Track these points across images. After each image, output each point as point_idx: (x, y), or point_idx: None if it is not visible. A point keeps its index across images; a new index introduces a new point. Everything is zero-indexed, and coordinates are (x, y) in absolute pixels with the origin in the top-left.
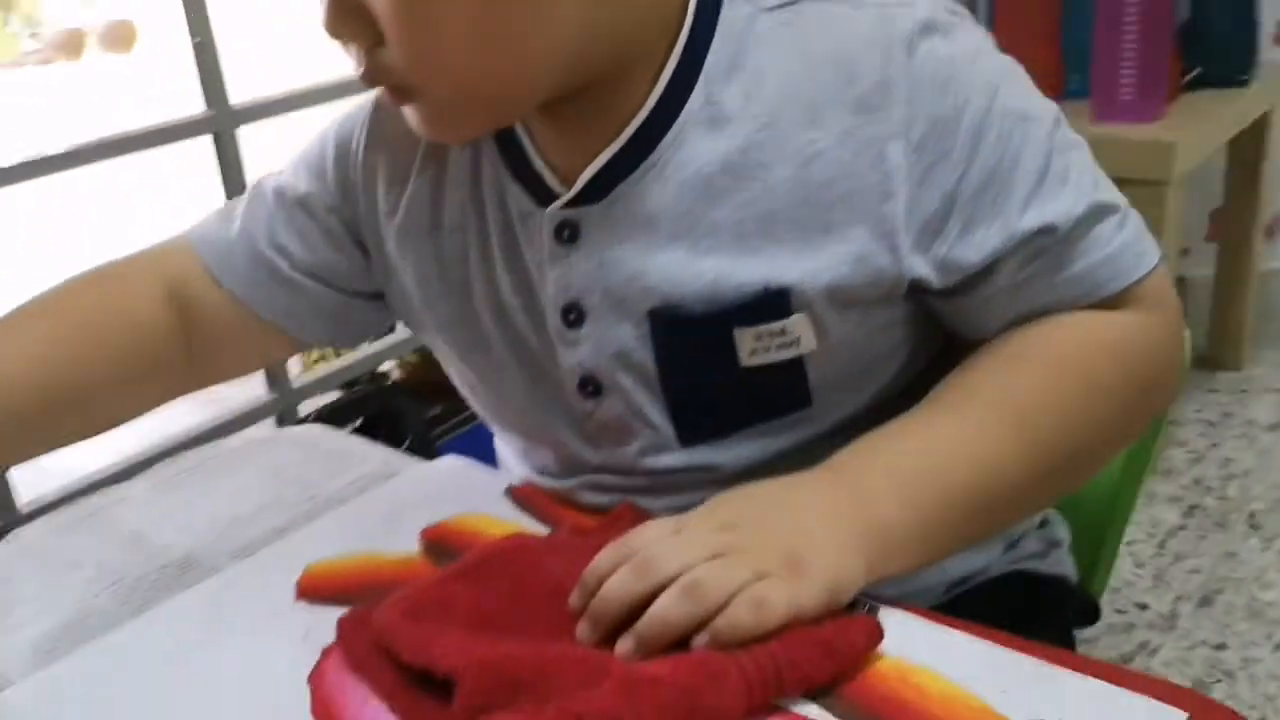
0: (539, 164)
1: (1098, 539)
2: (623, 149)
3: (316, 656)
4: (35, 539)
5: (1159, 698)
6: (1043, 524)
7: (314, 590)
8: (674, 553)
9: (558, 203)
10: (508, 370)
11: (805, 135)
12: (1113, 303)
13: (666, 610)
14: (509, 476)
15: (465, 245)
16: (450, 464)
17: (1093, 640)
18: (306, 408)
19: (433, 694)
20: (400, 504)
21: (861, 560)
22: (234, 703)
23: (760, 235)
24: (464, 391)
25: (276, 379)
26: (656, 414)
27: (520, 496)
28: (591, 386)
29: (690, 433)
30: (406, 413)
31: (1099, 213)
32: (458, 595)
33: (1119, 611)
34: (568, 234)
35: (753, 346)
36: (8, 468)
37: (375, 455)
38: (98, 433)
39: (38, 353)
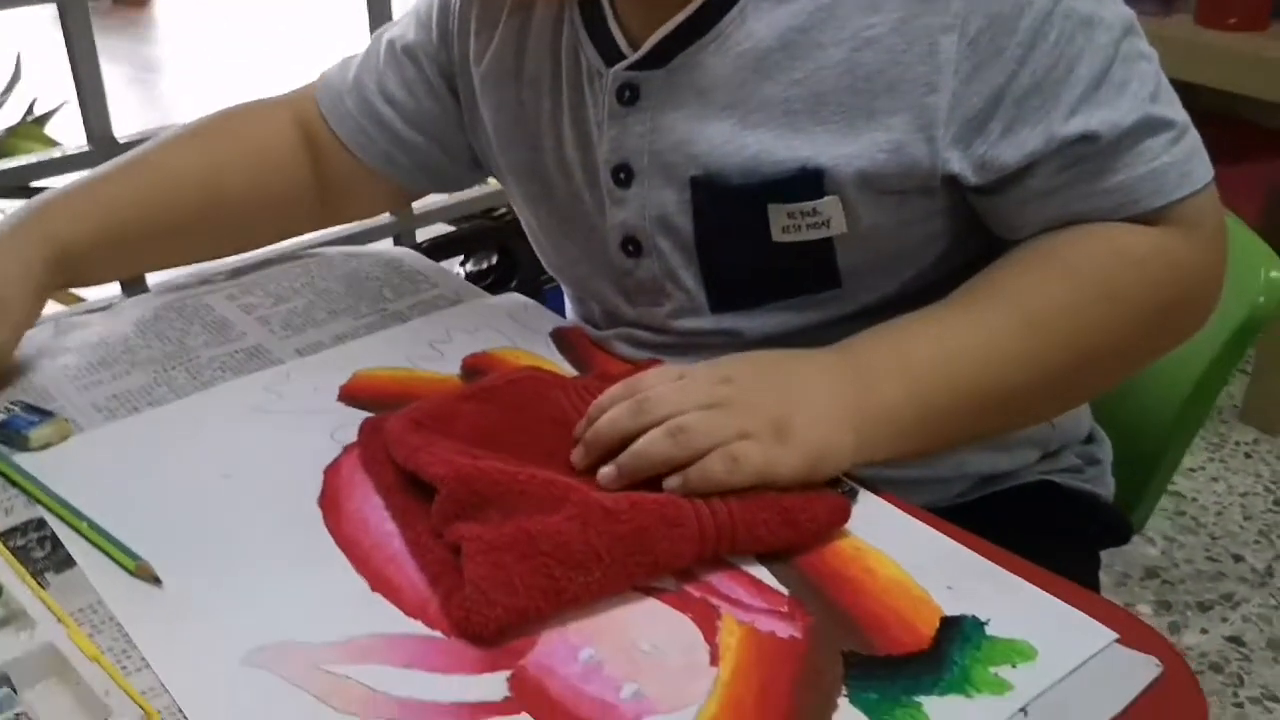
0: (614, 26)
1: (1148, 468)
2: (690, 18)
3: (338, 452)
4: (135, 313)
5: (1101, 619)
6: (1088, 440)
7: (354, 394)
8: (671, 397)
9: (623, 64)
10: (565, 222)
11: (863, 19)
12: (1150, 218)
13: (649, 446)
14: (562, 321)
15: (540, 97)
16: (512, 300)
17: (1176, 583)
18: (425, 235)
19: (421, 498)
20: (454, 329)
21: (851, 439)
22: (257, 479)
23: (806, 115)
24: (530, 239)
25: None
26: (690, 279)
27: (564, 337)
28: (632, 246)
29: (720, 299)
30: (519, 254)
31: (1151, 126)
32: (464, 413)
33: (1212, 559)
34: (628, 95)
35: (785, 223)
36: (155, 269)
37: (448, 282)
38: (229, 253)
39: (192, 169)
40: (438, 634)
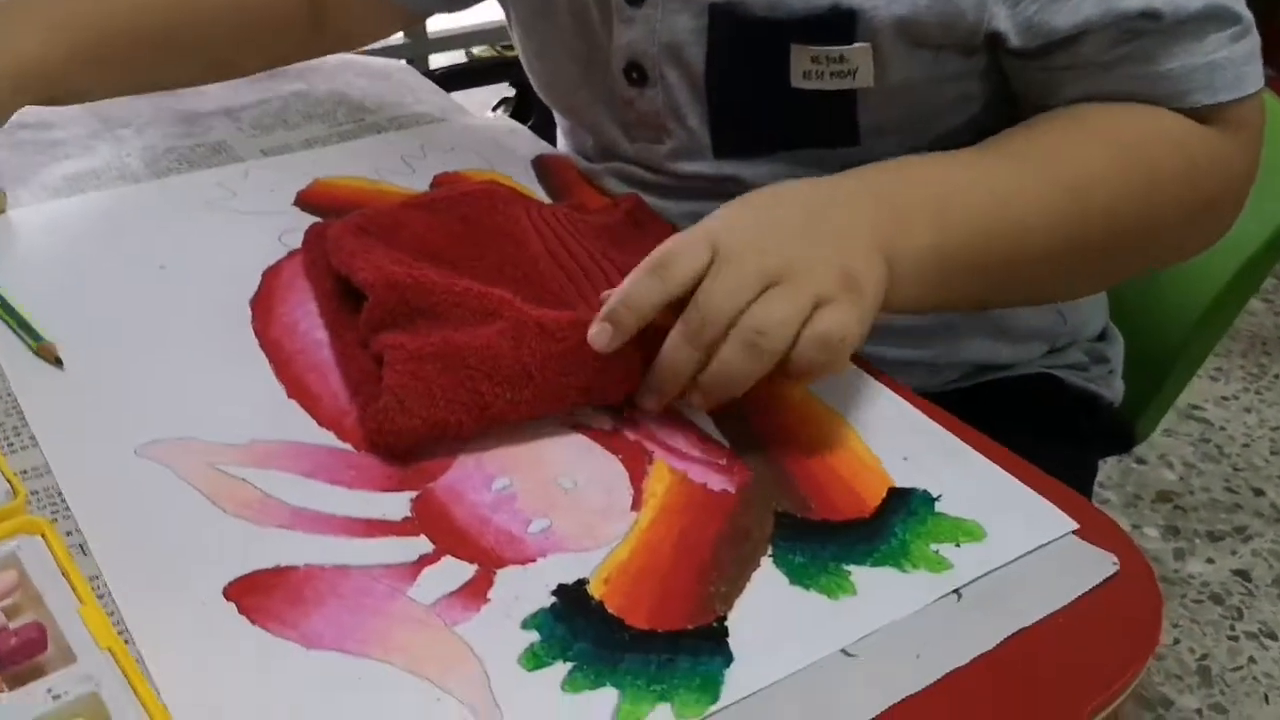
0: None
1: (1158, 376)
2: None
3: (282, 255)
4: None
5: (1060, 504)
6: (1099, 337)
7: (311, 200)
8: (724, 301)
9: None
10: (565, 42)
11: None
12: (1197, 114)
13: (728, 367)
14: (547, 148)
15: None
16: (498, 123)
17: (1188, 510)
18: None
19: (356, 308)
20: (430, 146)
21: (885, 280)
22: (192, 274)
23: None
24: (526, 67)
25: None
26: (695, 117)
27: (545, 165)
28: (636, 74)
29: (724, 144)
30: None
31: (1217, 16)
32: (411, 221)
33: (1230, 490)
34: None
35: (807, 68)
36: (119, 94)
37: (436, 101)
38: (215, 79)
39: None
40: (348, 447)
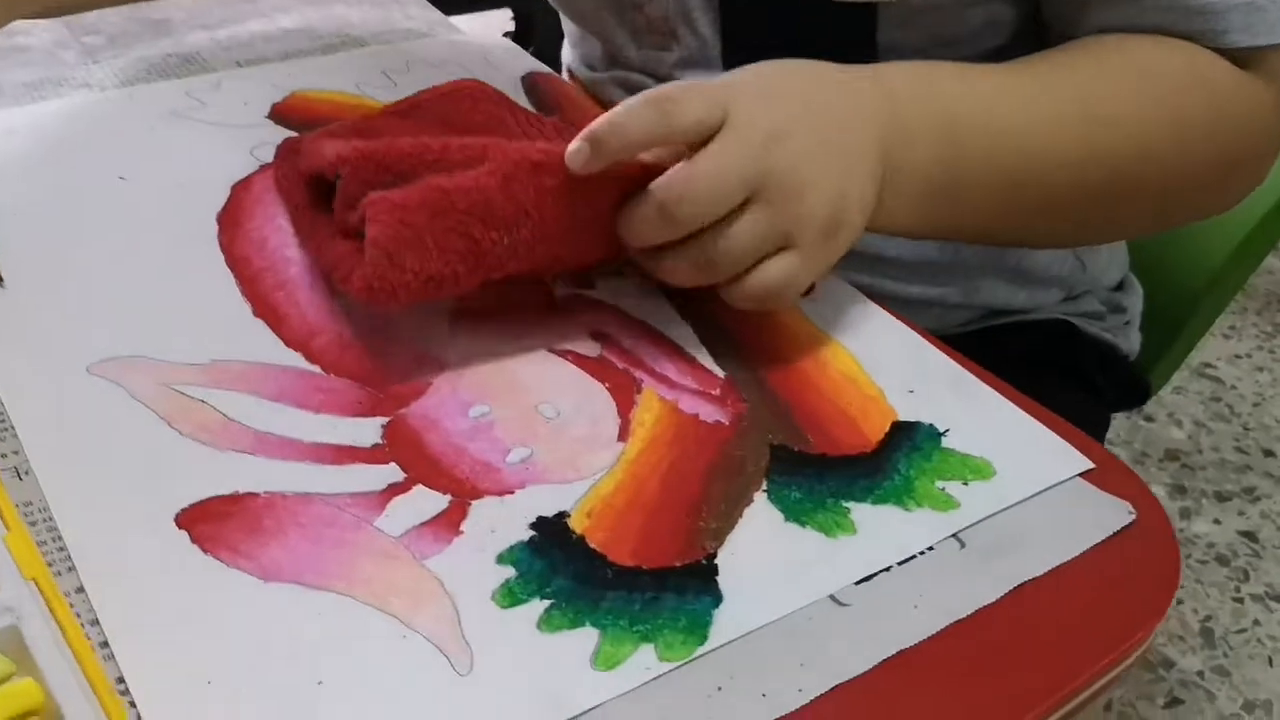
0: None
1: (1173, 328)
2: None
3: (254, 169)
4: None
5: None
6: (1117, 287)
7: (286, 114)
8: (708, 190)
9: None
10: None
11: None
12: (1233, 55)
13: (673, 271)
14: (539, 66)
15: None
16: (489, 40)
17: (1196, 469)
18: None
19: (330, 214)
20: (416, 61)
21: (873, 204)
22: (154, 185)
23: None
24: None
25: None
26: (705, 24)
27: (536, 83)
28: None
29: (735, 53)
30: (535, 17)
31: None
32: (389, 128)
33: (1241, 450)
34: None
35: None
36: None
37: (424, 16)
38: None
39: None
40: (316, 369)
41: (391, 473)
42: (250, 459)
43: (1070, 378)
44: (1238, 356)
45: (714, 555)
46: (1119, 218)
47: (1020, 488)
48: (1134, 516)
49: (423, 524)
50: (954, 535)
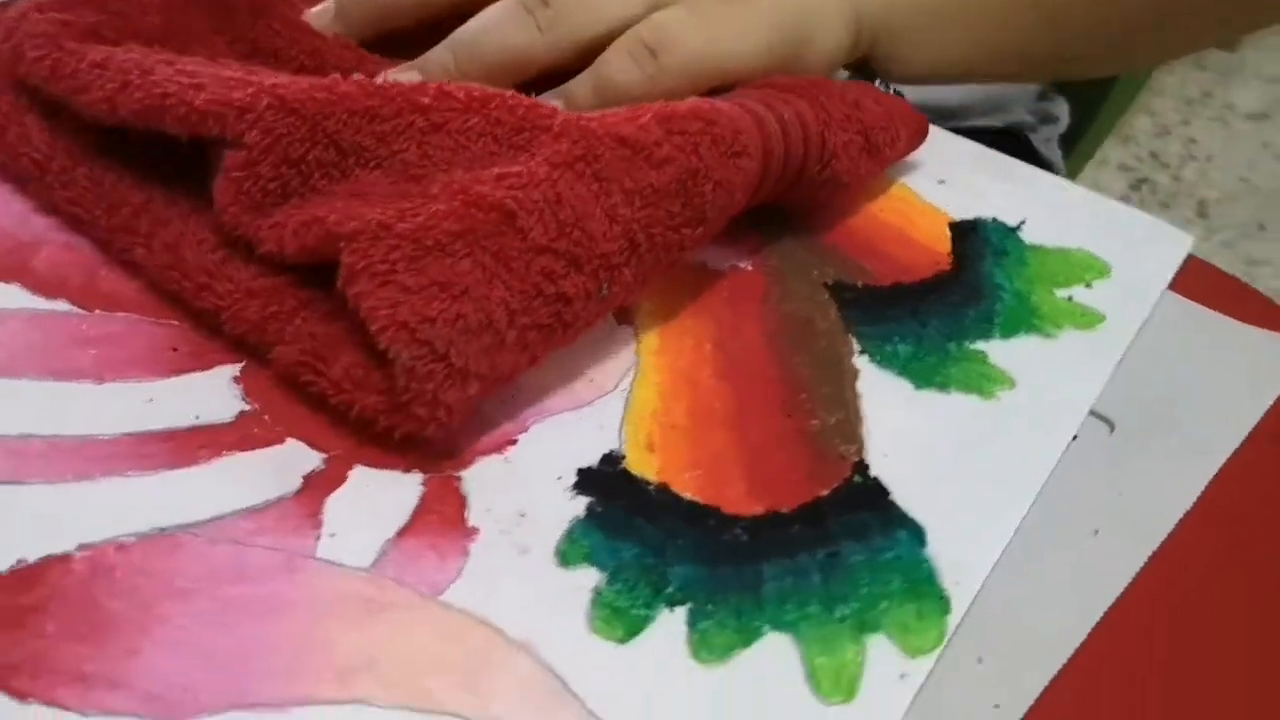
0: None
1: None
2: None
3: None
4: None
5: None
6: (1041, 96)
7: None
8: None
9: None
10: None
11: None
12: None
13: (496, 33)
14: None
15: None
16: None
17: None
18: None
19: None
20: None
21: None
22: None
23: None
24: None
25: None
26: None
27: None
28: None
29: None
30: None
31: None
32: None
33: None
34: None
35: None
36: None
37: None
38: None
39: None
40: (62, 306)
41: (296, 455)
42: (21, 491)
43: None
44: None
45: (864, 465)
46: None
47: (1151, 282)
48: None
49: (401, 532)
50: (1093, 413)
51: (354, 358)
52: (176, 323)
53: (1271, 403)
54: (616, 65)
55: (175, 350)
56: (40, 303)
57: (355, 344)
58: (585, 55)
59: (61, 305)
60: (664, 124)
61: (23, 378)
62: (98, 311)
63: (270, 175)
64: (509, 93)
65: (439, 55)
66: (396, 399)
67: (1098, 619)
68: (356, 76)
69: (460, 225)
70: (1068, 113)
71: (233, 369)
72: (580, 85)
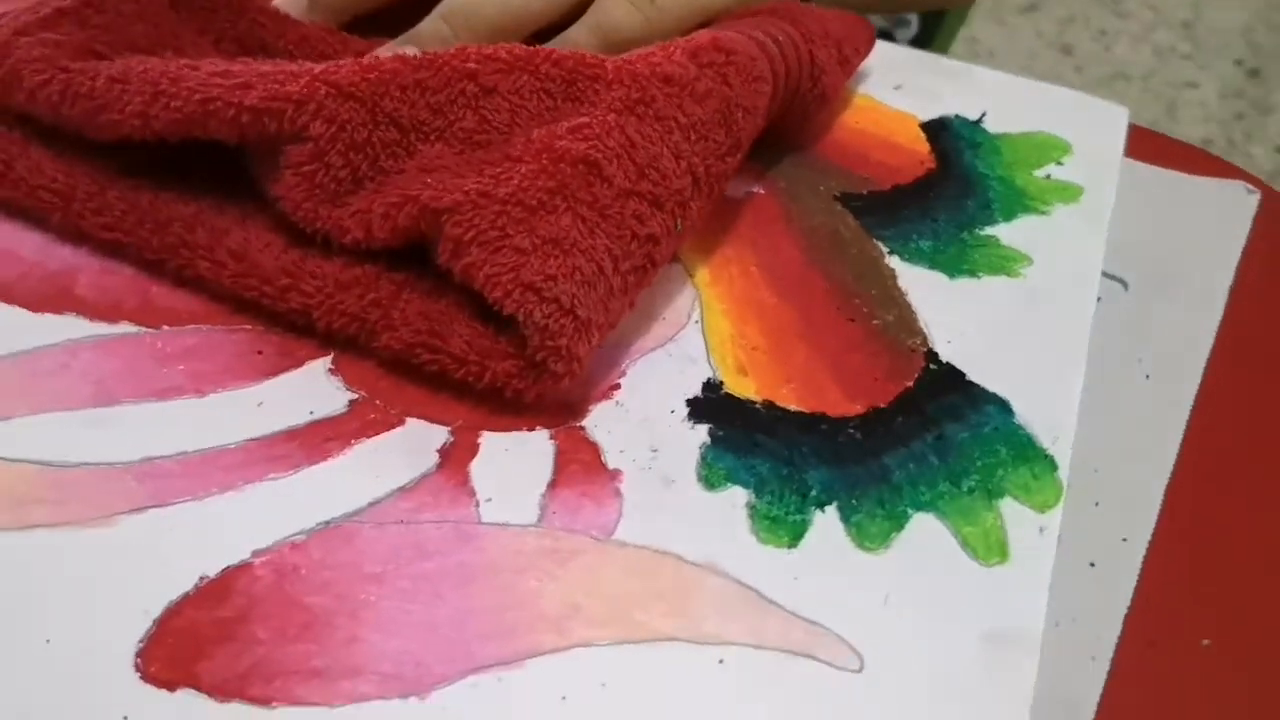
0: None
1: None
2: None
3: None
4: None
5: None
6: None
7: None
8: None
9: None
10: None
11: None
12: None
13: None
14: None
15: None
16: None
17: None
18: None
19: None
20: None
21: None
22: None
23: None
24: None
25: None
26: None
27: None
28: None
29: None
30: None
31: None
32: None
33: None
34: None
35: None
36: None
37: None
38: None
39: None
40: (128, 328)
41: (421, 433)
42: (169, 513)
43: None
44: None
45: (935, 353)
46: None
47: (1106, 156)
48: (1258, 194)
49: (551, 485)
50: (1106, 275)
51: (470, 329)
52: (249, 326)
53: (1244, 244)
54: (618, 11)
55: (260, 354)
56: (103, 328)
57: (468, 316)
58: (577, 7)
59: (128, 328)
60: (694, 59)
61: (121, 404)
62: (165, 328)
63: (340, 164)
64: (543, 48)
65: (434, 26)
66: (530, 359)
67: (1175, 454)
68: (383, 52)
69: (554, 182)
70: (917, 21)
71: (324, 362)
72: (579, 32)
